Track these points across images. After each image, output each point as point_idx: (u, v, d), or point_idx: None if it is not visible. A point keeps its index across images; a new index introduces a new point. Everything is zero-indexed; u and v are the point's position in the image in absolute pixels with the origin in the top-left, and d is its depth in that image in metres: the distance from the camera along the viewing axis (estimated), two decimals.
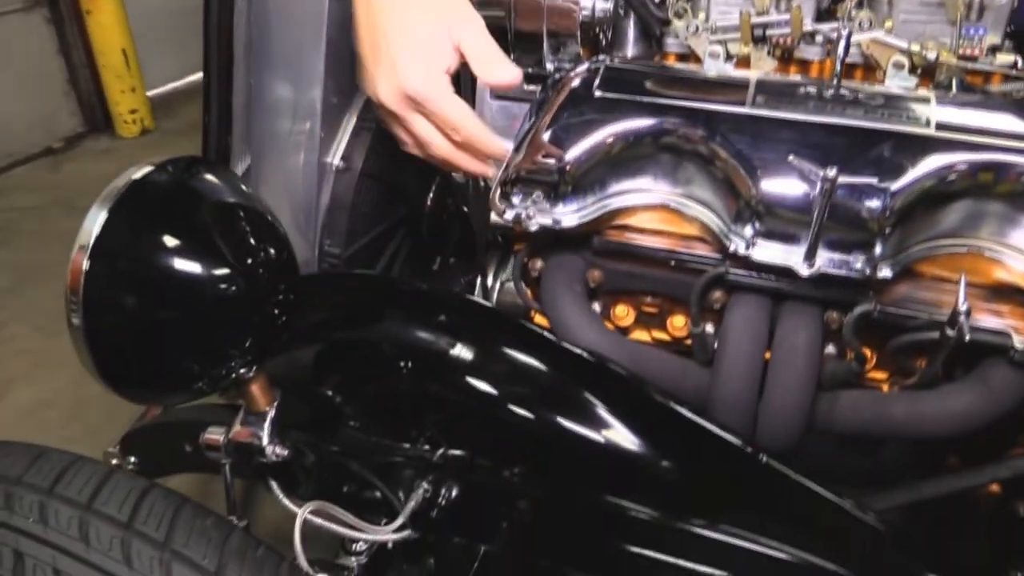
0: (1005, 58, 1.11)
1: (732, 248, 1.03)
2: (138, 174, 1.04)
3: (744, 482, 1.05)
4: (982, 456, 1.16)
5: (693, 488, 1.06)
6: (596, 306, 1.21)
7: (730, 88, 1.05)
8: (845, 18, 1.13)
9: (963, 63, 1.10)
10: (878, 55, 1.12)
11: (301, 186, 1.33)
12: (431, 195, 1.52)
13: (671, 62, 1.27)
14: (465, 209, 1.48)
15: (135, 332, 1.01)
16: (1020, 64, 1.11)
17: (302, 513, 1.11)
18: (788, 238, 1.00)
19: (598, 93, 1.07)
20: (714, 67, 1.17)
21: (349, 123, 1.34)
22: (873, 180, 0.94)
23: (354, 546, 1.31)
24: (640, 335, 1.23)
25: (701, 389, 1.12)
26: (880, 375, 1.14)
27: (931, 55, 1.09)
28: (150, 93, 4.06)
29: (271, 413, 1.14)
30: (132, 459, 1.47)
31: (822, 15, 1.19)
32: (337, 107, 1.32)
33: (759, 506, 1.03)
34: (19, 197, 3.40)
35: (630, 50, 1.29)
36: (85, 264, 0.96)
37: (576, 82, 1.09)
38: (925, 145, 0.96)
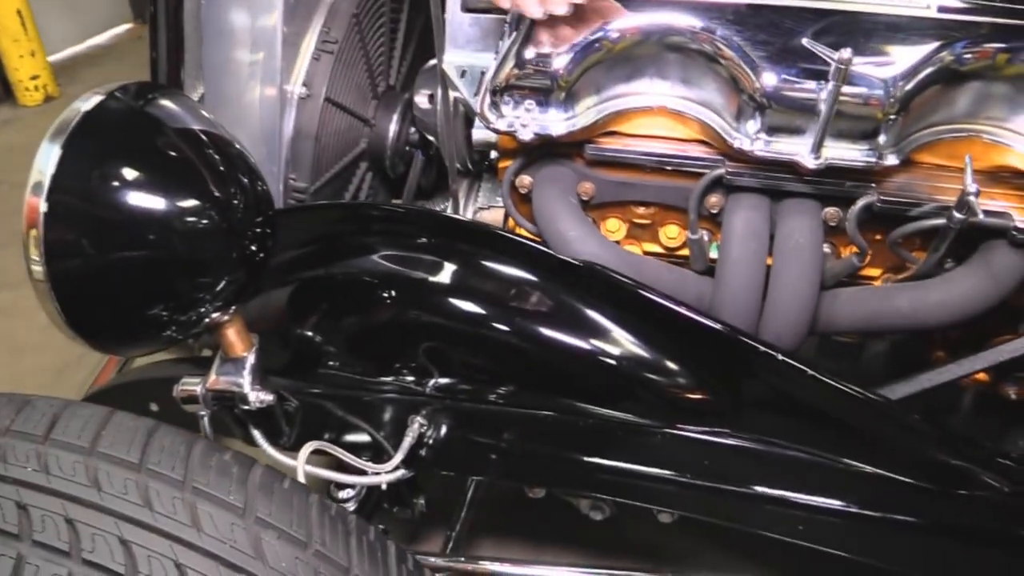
0: None
1: (737, 145, 0.99)
2: (88, 104, 0.94)
3: (766, 382, 1.02)
4: (968, 346, 1.17)
5: (717, 391, 1.04)
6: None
7: None
8: None
9: None
10: None
11: (261, 117, 1.23)
12: (394, 124, 1.43)
13: None
14: (431, 138, 1.40)
15: (104, 276, 0.91)
16: None
17: (304, 451, 1.04)
18: (794, 130, 0.97)
19: None
20: None
21: (308, 48, 1.24)
22: (881, 63, 0.91)
23: (340, 493, 1.25)
24: (632, 249, 1.19)
25: (703, 296, 1.08)
26: (874, 272, 1.13)
27: None
28: (50, 59, 3.77)
29: (250, 358, 1.06)
30: None
31: None
32: (295, 32, 1.22)
33: (781, 405, 1.01)
34: None
35: None
36: (43, 206, 0.86)
37: None
38: (928, 27, 0.94)
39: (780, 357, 0.98)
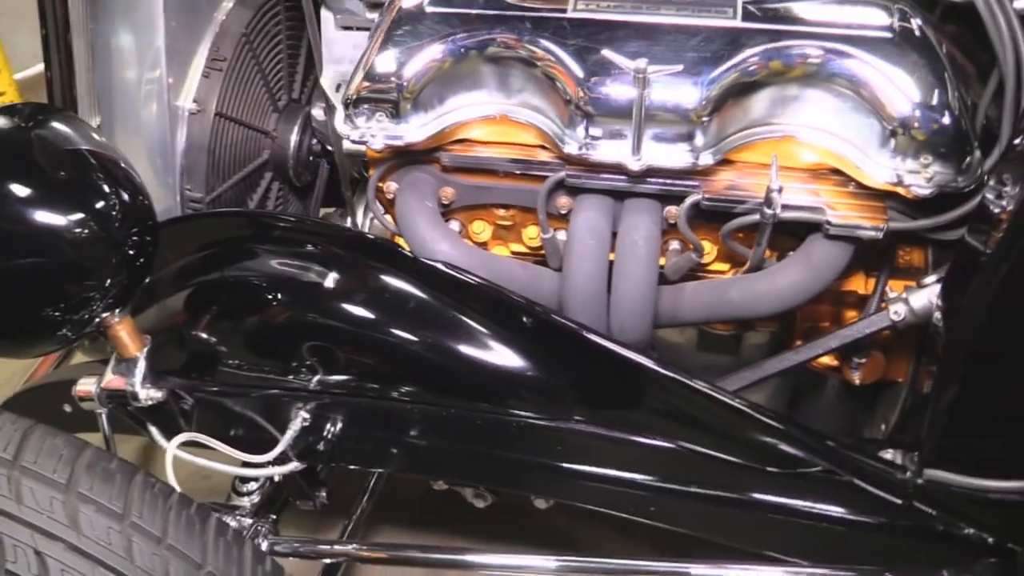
0: None
1: (567, 150, 1.09)
2: None
3: (606, 376, 1.11)
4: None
5: (559, 388, 1.13)
6: (455, 224, 1.26)
7: None
8: None
9: None
10: None
11: (155, 133, 1.33)
12: (295, 135, 1.53)
13: None
14: (329, 148, 1.50)
15: None
16: None
17: (172, 445, 1.14)
18: (616, 135, 1.07)
19: (429, 8, 1.11)
20: None
21: (198, 65, 1.35)
22: (683, 71, 1.01)
23: (244, 486, 1.35)
24: (500, 250, 1.28)
25: (555, 292, 1.18)
26: (723, 267, 1.22)
27: None
28: (18, 76, 3.90)
29: (142, 358, 1.16)
30: None
31: None
32: (183, 51, 1.33)
33: (625, 399, 1.10)
34: None
35: None
36: None
37: None
38: (732, 36, 1.04)
39: (615, 349, 1.08)
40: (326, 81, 1.31)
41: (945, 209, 1.05)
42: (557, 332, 1.10)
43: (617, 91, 1.03)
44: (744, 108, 1.06)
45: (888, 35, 1.02)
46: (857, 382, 1.23)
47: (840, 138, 1.06)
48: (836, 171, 1.09)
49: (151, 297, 1.29)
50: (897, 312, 1.08)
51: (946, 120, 1.00)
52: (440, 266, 1.13)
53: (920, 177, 1.02)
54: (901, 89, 1.01)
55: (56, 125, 1.08)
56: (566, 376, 1.12)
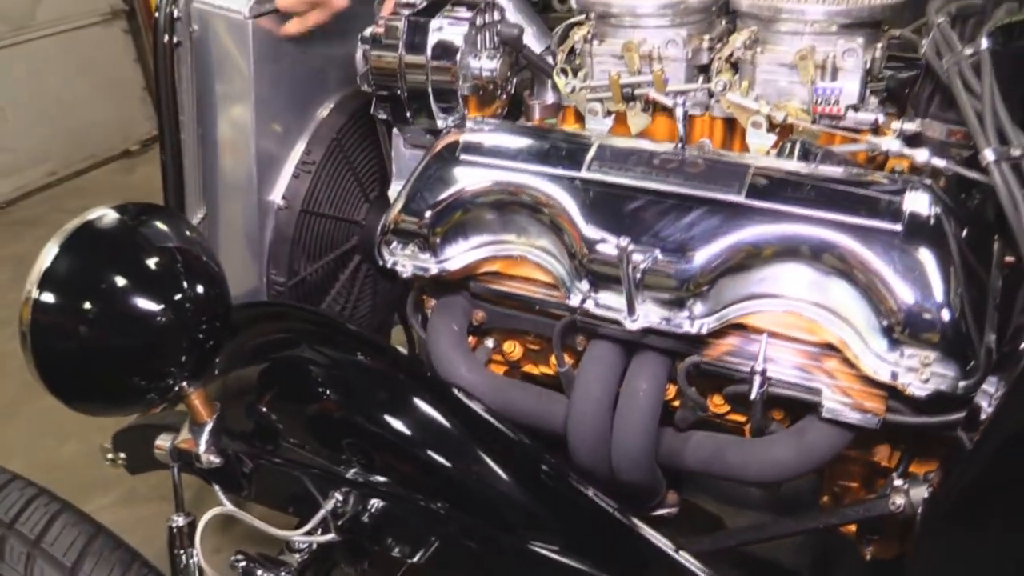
0: (865, 116, 1.20)
1: (572, 301, 1.17)
2: (91, 215, 1.28)
3: (588, 522, 1.20)
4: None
5: (545, 521, 1.22)
6: (489, 342, 1.38)
7: (576, 151, 1.19)
8: (706, 79, 1.25)
9: (813, 123, 1.19)
10: (738, 114, 1.23)
11: (247, 225, 1.56)
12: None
13: (569, 118, 1.41)
14: None
15: (78, 354, 1.24)
16: (881, 121, 1.19)
17: (205, 518, 1.33)
18: (615, 294, 1.14)
19: (461, 155, 1.23)
20: (594, 123, 1.32)
21: (289, 167, 1.55)
22: (670, 246, 1.07)
23: (296, 543, 1.54)
24: (530, 369, 1.39)
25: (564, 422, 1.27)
26: (739, 418, 1.25)
27: (780, 115, 1.19)
28: None
29: (209, 425, 1.36)
30: (122, 455, 1.73)
31: (703, 70, 1.31)
32: (274, 153, 1.54)
33: (603, 548, 1.18)
34: (96, 198, 3.79)
35: (550, 100, 1.44)
36: (34, 292, 1.21)
37: (444, 144, 1.26)
38: (733, 213, 1.08)
39: (599, 502, 1.16)
40: (393, 195, 1.47)
41: (950, 409, 1.04)
42: (546, 473, 1.20)
43: (611, 257, 1.10)
44: (742, 282, 1.10)
45: (896, 227, 1.02)
46: (867, 558, 1.22)
47: (843, 320, 1.08)
48: (836, 348, 1.10)
49: (226, 370, 1.51)
50: (895, 503, 1.07)
51: (945, 320, 1.00)
52: (454, 392, 1.25)
53: (917, 377, 1.02)
54: (901, 285, 1.01)
55: (155, 223, 1.30)
56: (550, 512, 1.20)
